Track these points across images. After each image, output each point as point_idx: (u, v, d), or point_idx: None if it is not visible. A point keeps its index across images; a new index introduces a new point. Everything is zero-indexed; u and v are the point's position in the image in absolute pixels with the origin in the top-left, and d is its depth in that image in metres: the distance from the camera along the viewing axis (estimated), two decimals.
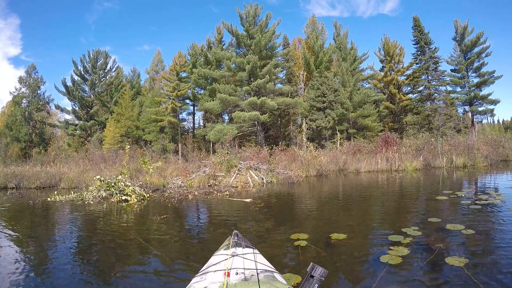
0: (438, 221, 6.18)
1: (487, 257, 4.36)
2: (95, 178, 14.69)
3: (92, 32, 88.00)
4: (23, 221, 9.88)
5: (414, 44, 32.13)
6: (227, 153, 18.44)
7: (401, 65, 32.97)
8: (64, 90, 35.25)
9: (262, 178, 16.01)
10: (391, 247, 4.64)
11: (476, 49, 31.68)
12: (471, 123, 33.13)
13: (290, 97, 27.23)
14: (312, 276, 1.72)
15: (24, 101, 38.55)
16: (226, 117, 32.24)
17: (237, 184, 15.37)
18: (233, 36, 29.05)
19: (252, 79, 26.90)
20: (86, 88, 35.60)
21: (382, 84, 32.53)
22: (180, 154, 28.63)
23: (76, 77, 35.58)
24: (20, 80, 38.68)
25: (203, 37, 53.88)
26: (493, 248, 4.76)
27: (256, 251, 3.17)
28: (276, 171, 16.83)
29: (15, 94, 38.31)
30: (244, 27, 28.30)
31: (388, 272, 3.85)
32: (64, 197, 13.70)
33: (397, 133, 25.23)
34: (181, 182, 16.98)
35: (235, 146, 23.48)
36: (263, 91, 26.58)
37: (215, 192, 13.25)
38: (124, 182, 13.59)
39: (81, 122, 34.59)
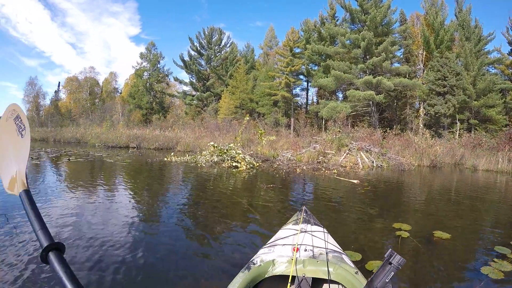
0: None
1: None
2: (209, 143, 16.06)
3: (206, 10, 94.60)
4: (141, 175, 11.03)
5: None
6: (339, 131, 18.67)
7: None
8: (182, 64, 39.59)
9: (372, 161, 15.81)
10: (495, 259, 4.33)
11: None
12: None
13: (407, 78, 26.54)
14: (390, 263, 1.66)
15: (146, 74, 43.75)
16: (340, 95, 32.63)
17: (346, 164, 15.48)
18: (347, 11, 28.82)
19: (367, 57, 26.88)
20: (203, 62, 39.31)
21: (511, 70, 29.43)
22: (292, 128, 30.16)
23: (192, 52, 39.52)
24: (141, 55, 43.88)
25: (316, 12, 53.44)
26: None
27: (325, 230, 3.21)
28: (388, 156, 16.50)
29: (137, 68, 43.57)
30: (358, 1, 27.90)
31: (486, 286, 3.60)
32: (179, 158, 15.40)
33: None
34: (291, 155, 17.59)
35: (348, 126, 23.63)
36: (379, 70, 26.42)
37: (323, 169, 13.46)
38: (235, 150, 14.66)
39: (198, 93, 38.65)
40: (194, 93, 39.81)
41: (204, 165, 14.03)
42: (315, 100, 37.20)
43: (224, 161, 14.05)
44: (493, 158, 17.36)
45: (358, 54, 27.20)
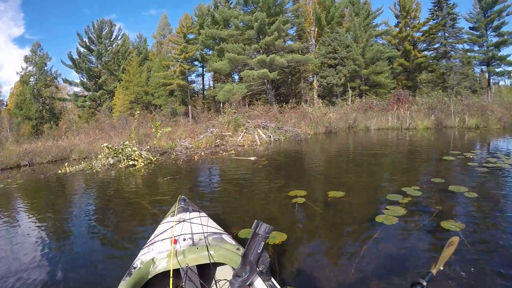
0: (441, 182, 5.95)
1: (486, 223, 4.18)
2: (102, 145, 14.90)
3: (96, 1, 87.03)
4: (34, 194, 10.01)
5: None
6: (235, 112, 18.53)
7: (417, 21, 31.75)
8: (71, 63, 35.54)
9: (270, 136, 16.10)
10: (388, 207, 4.57)
11: (497, 7, 30.01)
12: (487, 84, 32.02)
13: (300, 54, 26.81)
14: (257, 234, 1.69)
15: (32, 79, 38.77)
16: (236, 77, 32.11)
17: (243, 143, 15.55)
18: None
19: (261, 37, 26.51)
20: (93, 59, 35.79)
21: (397, 40, 31.72)
22: (190, 116, 28.85)
23: (82, 49, 35.75)
24: (26, 59, 38.87)
25: None
26: (494, 214, 4.53)
27: (203, 214, 3.17)
28: (284, 129, 16.96)
29: (22, 73, 38.65)
30: None
31: (382, 233, 3.79)
32: (74, 167, 13.91)
33: (410, 91, 24.80)
34: (189, 143, 17.19)
35: (245, 105, 23.71)
36: (272, 49, 26.29)
37: (221, 152, 13.38)
38: (131, 148, 13.79)
39: (90, 93, 35.04)
40: (86, 93, 36.12)
41: (100, 169, 13.04)
42: (211, 85, 36.60)
43: (120, 162, 13.28)
44: (383, 117, 19.23)
45: (251, 35, 26.75)
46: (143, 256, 2.30)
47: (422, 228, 4.00)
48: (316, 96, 27.34)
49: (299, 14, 29.92)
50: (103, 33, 35.84)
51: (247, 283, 1.75)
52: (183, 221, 2.84)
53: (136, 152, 13.31)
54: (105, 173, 12.09)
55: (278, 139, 16.00)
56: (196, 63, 32.62)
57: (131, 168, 12.39)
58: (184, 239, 2.40)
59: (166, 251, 2.25)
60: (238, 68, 27.61)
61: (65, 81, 37.71)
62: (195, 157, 13.03)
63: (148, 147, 16.67)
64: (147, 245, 2.60)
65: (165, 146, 17.70)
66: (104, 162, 13.79)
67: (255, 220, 1.75)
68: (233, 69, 27.79)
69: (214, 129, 17.64)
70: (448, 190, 5.39)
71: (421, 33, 31.82)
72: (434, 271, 1.52)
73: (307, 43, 30.33)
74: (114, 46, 36.00)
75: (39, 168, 18.33)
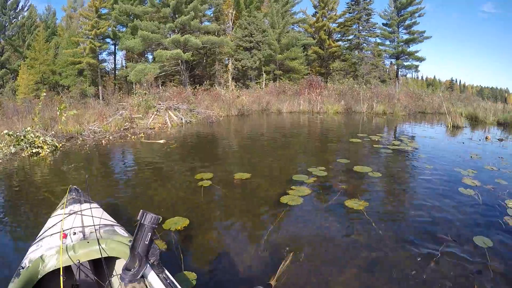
0: (347, 162, 6.22)
1: (388, 201, 4.44)
2: (2, 133, 13.91)
3: None
4: None
5: None
6: (146, 93, 18.06)
7: (334, 13, 33.52)
8: None
9: (181, 118, 15.97)
10: (293, 187, 4.64)
11: (411, 8, 32.75)
12: (396, 75, 34.76)
13: (216, 36, 26.81)
14: (143, 224, 1.66)
15: None
16: (150, 57, 31.20)
17: (154, 125, 15.24)
18: None
19: (177, 16, 25.95)
20: None
21: (313, 29, 33.16)
22: (100, 97, 27.31)
23: None
24: None
25: None
26: (396, 192, 4.86)
27: (95, 205, 3.04)
28: (196, 111, 16.88)
29: None
30: None
31: (286, 214, 3.83)
32: None
33: (323, 78, 26.30)
34: (97, 127, 16.24)
35: (158, 87, 22.96)
36: (188, 29, 25.90)
37: (130, 136, 13.06)
38: (34, 133, 12.62)
39: None
40: None
41: (0, 160, 11.58)
42: (124, 65, 35.17)
43: (23, 150, 11.97)
44: (296, 101, 19.89)
45: (167, 13, 26.02)
46: (32, 254, 2.13)
47: (326, 208, 4.06)
48: (230, 79, 27.62)
49: None
50: (8, 3, 32.47)
51: (138, 276, 1.71)
52: (74, 213, 2.68)
53: (40, 139, 12.23)
54: (6, 164, 10.97)
55: (190, 121, 15.88)
56: (108, 40, 31.07)
57: (35, 157, 11.47)
58: (75, 233, 2.27)
59: (55, 247, 2.09)
60: (152, 47, 26.81)
61: None
62: (103, 141, 12.51)
63: (53, 132, 15.84)
64: (35, 241, 2.41)
65: (72, 131, 16.50)
66: (5, 151, 12.54)
67: (141, 210, 1.70)
68: (147, 48, 26.93)
69: (124, 112, 16.92)
70: (353, 170, 5.64)
71: (337, 25, 33.83)
72: (273, 283, 1.67)
73: (223, 25, 30.28)
74: (19, 18, 32.73)
75: None
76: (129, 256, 1.72)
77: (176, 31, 25.78)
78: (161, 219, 1.72)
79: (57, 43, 30.94)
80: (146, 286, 1.99)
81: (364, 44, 32.96)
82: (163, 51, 24.37)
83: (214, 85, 25.24)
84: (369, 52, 32.55)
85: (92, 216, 2.53)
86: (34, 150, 11.56)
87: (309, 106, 19.58)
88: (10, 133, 12.45)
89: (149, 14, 27.13)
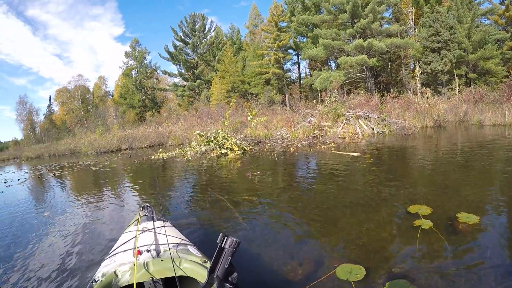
0: None
1: None
2: (195, 133, 15.41)
3: None
4: (119, 181, 10.31)
5: None
6: (335, 101, 17.72)
7: None
8: (168, 56, 39.74)
9: (372, 128, 15.14)
10: None
11: None
12: None
13: (400, 38, 26.28)
14: (223, 248, 1.68)
15: (133, 72, 44.07)
16: (332, 65, 32.47)
17: (344, 135, 14.82)
18: None
19: (355, 21, 26.51)
20: (189, 51, 39.39)
21: (504, 20, 29.03)
22: (287, 104, 30.05)
23: (177, 43, 39.62)
24: (126, 54, 44.28)
25: None
26: None
27: (168, 223, 3.12)
28: (388, 121, 15.68)
29: (124, 67, 43.99)
30: None
31: None
32: (167, 154, 14.79)
33: None
34: (285, 133, 17.05)
35: (343, 94, 23.62)
36: (368, 33, 26.14)
37: (320, 144, 12.65)
38: (224, 136, 13.81)
39: (188, 83, 38.83)
40: (184, 83, 40.00)
41: (191, 157, 13.23)
42: (307, 73, 37.24)
43: (212, 150, 13.43)
44: (498, 111, 16.59)
45: (345, 19, 26.87)
46: (105, 268, 2.24)
47: None
48: (419, 85, 26.28)
49: None
50: (196, 26, 39.07)
51: None
52: (147, 230, 2.81)
53: (232, 140, 13.25)
54: (195, 162, 12.03)
55: (382, 132, 14.85)
56: (290, 51, 33.70)
57: (223, 158, 12.15)
58: (148, 250, 2.35)
59: (129, 263, 2.19)
60: (334, 55, 27.93)
61: (165, 72, 42.21)
62: (291, 148, 12.38)
63: (242, 136, 17.10)
64: (108, 256, 2.55)
65: (260, 135, 17.87)
66: (196, 150, 14.18)
67: (220, 233, 1.70)
68: (329, 56, 28.17)
69: (312, 119, 17.06)
70: None
71: None
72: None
73: (405, 26, 29.32)
74: (208, 38, 39.16)
75: (137, 153, 20.44)
76: (206, 278, 1.71)
77: (357, 36, 26.37)
78: (240, 244, 1.68)
79: (244, 56, 35.29)
80: None
81: None
82: (347, 58, 25.22)
83: (404, 92, 24.74)
84: None
85: (166, 235, 2.62)
86: (223, 151, 12.76)
87: None
88: (202, 133, 14.66)
89: (327, 22, 28.26)
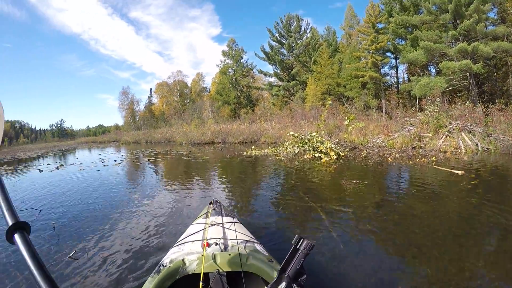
0: None
1: None
2: (289, 133, 15.49)
3: None
4: (206, 174, 10.77)
5: None
6: (437, 110, 16.53)
7: None
8: (264, 56, 42.38)
9: (477, 144, 13.90)
10: None
11: None
12: None
13: (507, 42, 24.43)
14: (297, 249, 1.67)
15: (230, 70, 47.76)
16: (432, 70, 31.16)
17: (445, 148, 14.01)
18: None
19: (457, 22, 25.37)
20: (285, 52, 41.61)
21: None
22: (383, 110, 29.95)
23: (273, 43, 42.12)
24: (223, 53, 47.93)
25: None
26: None
27: (236, 220, 3.19)
28: (494, 136, 14.41)
29: (221, 65, 47.69)
30: None
31: None
32: (259, 151, 15.03)
33: None
34: (382, 141, 16.49)
35: (444, 103, 22.34)
36: (473, 35, 24.92)
37: (419, 157, 12.09)
38: (319, 139, 13.53)
39: (283, 83, 41.07)
40: (280, 83, 42.13)
41: (283, 157, 13.33)
42: (406, 78, 36.16)
43: (306, 152, 13.34)
44: None
45: (447, 20, 25.83)
46: (173, 255, 2.35)
47: None
48: None
49: None
50: (292, 27, 41.03)
51: None
52: (215, 224, 2.89)
53: (327, 144, 12.98)
54: (287, 162, 12.09)
55: (487, 148, 13.64)
56: (388, 54, 32.98)
57: (316, 161, 11.99)
58: (216, 243, 2.41)
59: (197, 253, 2.27)
60: (435, 59, 27.05)
61: (260, 72, 45.32)
62: (389, 158, 12.09)
63: (337, 140, 16.53)
64: (177, 244, 2.65)
65: (356, 141, 17.70)
66: (289, 150, 14.26)
67: (296, 235, 1.68)
68: (430, 60, 27.25)
69: (411, 128, 16.48)
70: None
71: None
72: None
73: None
74: (303, 39, 40.89)
75: (230, 147, 21.13)
76: (276, 276, 1.69)
77: (460, 39, 25.44)
78: (314, 247, 1.66)
79: (340, 58, 35.48)
80: None
81: None
82: (449, 63, 24.26)
83: (510, 104, 22.51)
84: None
85: (235, 231, 2.69)
86: (316, 155, 12.55)
87: None
88: (296, 135, 14.46)
89: (427, 23, 27.53)
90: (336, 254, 3.84)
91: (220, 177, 9.99)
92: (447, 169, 9.30)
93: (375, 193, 7.10)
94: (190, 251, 2.36)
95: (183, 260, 2.20)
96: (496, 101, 21.90)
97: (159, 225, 5.20)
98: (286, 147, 14.54)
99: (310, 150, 13.09)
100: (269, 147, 16.12)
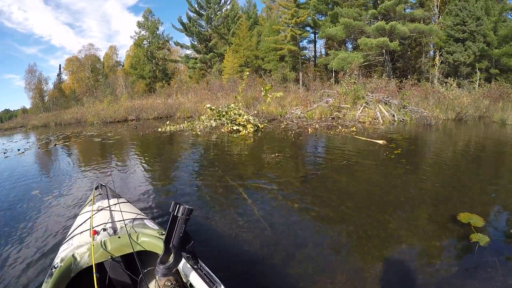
0: None
1: None
2: (205, 106, 14.86)
3: None
4: (120, 152, 10.15)
5: None
6: (354, 82, 17.12)
7: None
8: (181, 27, 38.71)
9: (393, 115, 14.58)
10: None
11: None
12: None
13: (423, 24, 25.16)
14: (176, 216, 1.63)
15: (145, 42, 43.22)
16: (349, 46, 31.68)
17: (364, 119, 14.37)
18: None
19: (378, 1, 25.57)
20: (203, 23, 38.35)
21: None
22: (300, 83, 29.45)
23: (191, 14, 38.54)
24: (139, 24, 43.27)
25: None
26: None
27: (122, 200, 3.06)
28: (409, 108, 15.13)
29: (136, 37, 43.18)
30: None
31: None
32: (174, 127, 14.33)
33: None
34: (301, 112, 16.55)
35: (359, 77, 22.78)
36: (392, 15, 25.18)
37: (339, 127, 12.21)
38: (236, 111, 13.27)
39: (200, 55, 37.94)
40: (197, 56, 39.11)
41: (200, 132, 12.72)
42: (323, 52, 36.42)
43: (224, 125, 12.98)
44: None
45: None
46: (63, 253, 2.15)
47: None
48: (438, 74, 25.34)
49: None
50: None
51: (174, 270, 1.72)
52: (102, 209, 2.75)
53: (245, 117, 12.78)
54: (205, 137, 11.63)
55: (403, 119, 14.30)
56: (308, 28, 32.64)
57: (234, 134, 11.72)
58: (105, 229, 2.30)
59: (86, 245, 2.13)
60: (353, 35, 27.00)
61: (177, 44, 41.59)
62: (309, 129, 12.08)
63: (256, 112, 16.50)
64: (66, 240, 2.45)
65: (275, 113, 17.40)
66: (205, 124, 13.87)
67: (172, 202, 1.65)
68: (348, 36, 27.21)
69: (330, 99, 16.70)
70: None
71: None
72: None
73: (429, 12, 28.03)
74: (223, 11, 38.02)
75: (144, 124, 20.33)
76: (163, 249, 1.68)
77: (378, 18, 25.44)
78: (193, 210, 1.63)
79: (259, 31, 34.07)
80: (181, 278, 2.03)
81: None
82: (367, 39, 24.23)
83: (422, 80, 24.00)
84: None
85: (121, 211, 2.57)
86: (234, 127, 12.19)
87: None
88: (213, 107, 14.08)
89: (349, 1, 27.38)
90: (265, 240, 3.50)
91: (129, 159, 8.95)
92: (369, 139, 9.41)
93: (299, 167, 6.91)
94: (79, 243, 2.18)
95: (73, 255, 2.04)
96: (409, 76, 22.86)
97: (45, 224, 4.33)
98: (203, 121, 14.18)
99: (227, 123, 12.74)
100: (185, 121, 15.54)
